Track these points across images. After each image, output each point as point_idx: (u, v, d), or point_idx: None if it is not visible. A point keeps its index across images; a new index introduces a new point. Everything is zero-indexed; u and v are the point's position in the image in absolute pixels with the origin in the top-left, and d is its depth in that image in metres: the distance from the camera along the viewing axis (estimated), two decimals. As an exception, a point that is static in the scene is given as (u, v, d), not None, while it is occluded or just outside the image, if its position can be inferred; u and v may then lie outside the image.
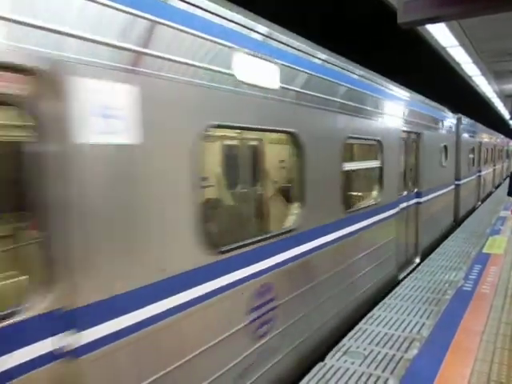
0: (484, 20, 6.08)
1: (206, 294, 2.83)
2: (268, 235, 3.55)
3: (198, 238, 2.76)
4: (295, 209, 3.94)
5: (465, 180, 12.24)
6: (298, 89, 3.86)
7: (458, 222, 11.50)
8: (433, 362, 3.86)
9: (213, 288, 2.89)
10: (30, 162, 1.91)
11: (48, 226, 1.96)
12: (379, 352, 4.17)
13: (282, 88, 3.61)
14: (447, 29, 6.86)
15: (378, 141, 5.79)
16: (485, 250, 7.96)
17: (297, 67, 3.86)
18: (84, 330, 2.07)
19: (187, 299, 2.69)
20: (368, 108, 5.44)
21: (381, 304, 5.50)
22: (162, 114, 2.45)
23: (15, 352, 1.82)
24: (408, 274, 6.95)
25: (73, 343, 2.02)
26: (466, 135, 12.09)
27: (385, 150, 5.93)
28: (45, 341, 1.91)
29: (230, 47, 2.98)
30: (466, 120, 12.05)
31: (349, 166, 4.98)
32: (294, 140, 3.84)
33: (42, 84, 1.88)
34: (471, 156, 13.32)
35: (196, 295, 2.74)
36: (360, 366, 3.93)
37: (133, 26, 2.31)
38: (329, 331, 4.62)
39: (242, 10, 3.19)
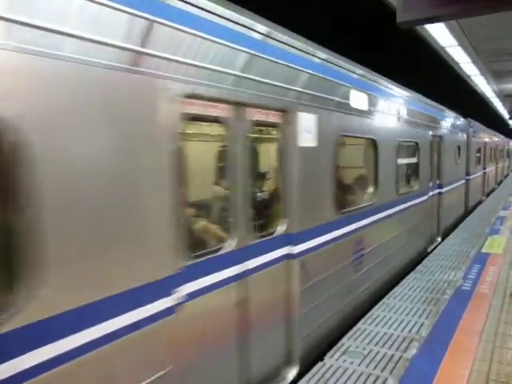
0: (483, 20, 6.08)
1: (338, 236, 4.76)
2: (369, 203, 5.74)
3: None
4: (371, 189, 5.96)
5: (473, 176, 14.04)
6: (376, 109, 5.75)
7: (467, 212, 13.22)
8: (432, 362, 3.87)
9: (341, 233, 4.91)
10: (280, 155, 3.88)
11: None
12: (378, 352, 4.18)
13: (369, 109, 5.50)
14: (446, 29, 6.87)
15: (416, 143, 7.64)
16: (484, 250, 7.97)
17: (377, 95, 5.84)
18: (295, 245, 3.94)
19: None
20: (413, 119, 7.37)
21: (380, 304, 5.51)
22: (324, 129, 4.35)
23: (270, 253, 3.66)
24: (433, 249, 8.65)
25: (292, 251, 3.91)
26: (474, 137, 13.74)
27: (420, 150, 7.77)
28: (283, 248, 3.82)
29: (349, 87, 4.96)
30: (474, 123, 13.79)
31: (400, 161, 6.81)
32: (373, 143, 5.79)
33: (287, 116, 3.80)
34: (478, 155, 15.04)
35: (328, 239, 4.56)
36: (359, 365, 3.93)
37: (336, 89, 4.68)
38: (391, 276, 6.64)
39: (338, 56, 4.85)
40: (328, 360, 4.04)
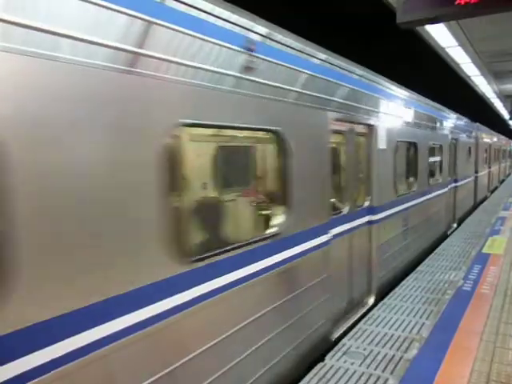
0: (483, 20, 6.08)
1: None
2: (412, 190, 7.61)
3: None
4: (413, 179, 7.77)
5: (481, 173, 15.86)
6: (417, 120, 7.57)
7: (476, 205, 15.02)
8: (433, 362, 3.86)
9: (397, 210, 6.74)
10: (367, 154, 5.65)
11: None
12: (379, 352, 4.18)
13: (412, 121, 7.33)
14: (446, 29, 6.87)
15: (441, 145, 9.46)
16: (484, 250, 7.97)
17: (418, 110, 7.70)
18: (375, 215, 5.73)
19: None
20: (439, 126, 9.43)
21: (380, 304, 5.50)
22: (389, 137, 6.07)
23: (362, 218, 5.51)
24: (451, 233, 10.37)
25: (372, 218, 5.69)
26: (481, 139, 15.61)
27: (443, 151, 9.64)
28: (368, 216, 5.63)
29: (407, 106, 7.02)
30: (481, 127, 15.70)
31: (430, 159, 8.64)
32: (415, 146, 7.63)
33: (372, 129, 5.60)
34: (484, 155, 16.95)
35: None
36: (360, 366, 3.93)
37: (397, 108, 6.59)
38: (422, 250, 8.26)
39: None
40: (329, 360, 4.03)
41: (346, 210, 5.14)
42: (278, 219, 3.71)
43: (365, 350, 4.24)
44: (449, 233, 10.42)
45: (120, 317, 2.29)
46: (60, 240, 2.01)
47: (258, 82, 3.32)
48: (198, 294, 2.79)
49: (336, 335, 4.79)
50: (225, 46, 2.94)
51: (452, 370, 3.75)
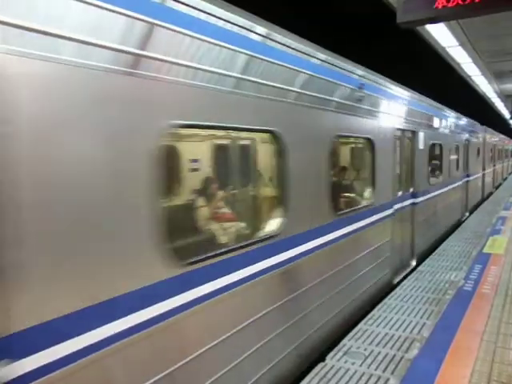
0: (483, 20, 6.08)
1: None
2: (439, 180, 9.57)
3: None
4: (439, 172, 9.68)
5: (487, 171, 18.02)
6: (442, 125, 9.53)
7: (483, 199, 16.94)
8: (433, 362, 3.86)
9: (432, 195, 8.94)
10: (411, 152, 7.60)
11: None
12: (380, 352, 4.17)
13: (439, 126, 9.25)
14: (446, 29, 6.87)
15: (457, 146, 11.37)
16: (485, 250, 7.95)
17: (443, 117, 9.57)
18: (416, 198, 7.75)
19: None
20: (457, 130, 11.51)
21: (381, 304, 5.50)
22: (426, 140, 8.07)
23: (410, 200, 7.55)
24: (464, 220, 12.18)
25: (415, 201, 7.76)
26: (487, 140, 17.67)
27: (459, 150, 11.71)
28: (412, 199, 7.65)
29: (436, 116, 9.00)
30: (488, 129, 17.87)
31: (451, 157, 10.46)
32: (440, 146, 9.59)
33: (414, 134, 7.57)
34: (490, 154, 18.99)
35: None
36: (361, 366, 3.92)
37: (431, 118, 8.80)
38: (444, 231, 10.20)
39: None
40: (329, 360, 4.03)
41: (399, 193, 6.98)
42: (372, 196, 5.82)
43: (365, 350, 4.24)
44: (463, 219, 12.43)
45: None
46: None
47: (366, 108, 5.43)
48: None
49: (395, 281, 6.69)
50: (349, 88, 4.98)
51: (453, 370, 3.74)
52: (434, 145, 9.01)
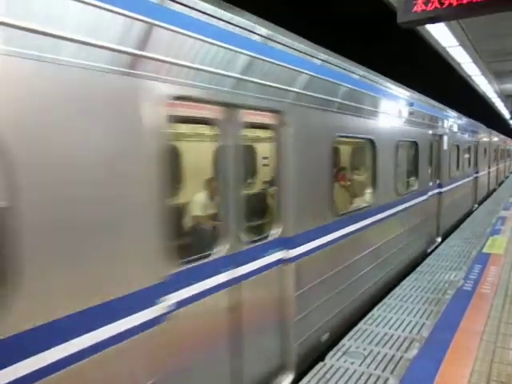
0: (483, 20, 6.07)
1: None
2: (457, 173, 11.95)
3: None
4: (455, 167, 11.47)
5: (492, 169, 20.38)
6: (460, 130, 11.94)
7: (489, 194, 18.97)
8: (433, 362, 3.86)
9: (455, 185, 11.59)
10: (438, 152, 9.59)
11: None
12: (379, 352, 4.17)
13: (458, 130, 11.66)
14: (447, 29, 6.86)
15: (469, 146, 13.46)
16: (485, 250, 7.96)
17: (461, 125, 12.13)
18: (442, 188, 9.90)
19: None
20: (470, 134, 13.62)
21: (381, 304, 5.50)
22: (449, 141, 10.21)
23: (436, 190, 9.51)
24: (475, 209, 14.23)
25: (441, 190, 9.87)
26: (492, 141, 20.12)
27: (471, 150, 13.78)
28: (438, 189, 9.74)
29: (455, 122, 11.40)
30: (493, 131, 20.41)
31: (465, 156, 12.67)
32: (457, 146, 11.45)
33: (441, 136, 9.71)
34: (493, 154, 21.25)
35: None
36: (360, 365, 3.93)
37: (453, 125, 11.19)
38: (463, 215, 12.61)
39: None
40: (329, 360, 4.03)
41: (431, 183, 8.87)
42: (417, 184, 7.83)
43: (365, 349, 4.24)
44: (473, 209, 14.44)
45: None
46: None
47: (414, 121, 7.36)
48: None
49: (428, 250, 8.57)
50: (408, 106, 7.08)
51: (452, 369, 3.74)
52: (453, 145, 10.98)
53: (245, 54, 3.10)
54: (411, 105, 7.13)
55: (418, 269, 7.08)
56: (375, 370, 3.84)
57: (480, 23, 6.67)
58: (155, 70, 2.41)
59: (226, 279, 3.02)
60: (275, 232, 3.65)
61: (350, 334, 4.62)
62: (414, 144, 7.64)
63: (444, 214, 9.86)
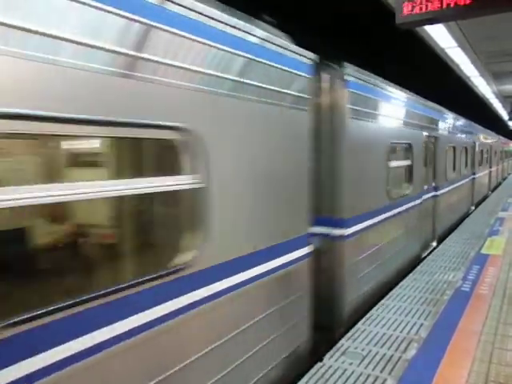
0: (482, 20, 6.08)
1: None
2: (483, 166, 17.56)
3: None
4: (477, 163, 15.77)
5: (494, 168, 22.15)
6: (481, 140, 16.81)
7: (492, 190, 21.12)
8: (431, 363, 3.86)
9: (482, 174, 17.41)
10: (472, 153, 14.56)
11: None
12: (377, 352, 4.18)
13: (482, 140, 17.19)
14: (445, 30, 6.87)
15: (483, 149, 16.63)
16: (483, 251, 7.97)
17: (478, 131, 16.07)
18: (475, 174, 15.28)
19: None
20: (486, 140, 18.21)
21: (379, 305, 5.50)
22: (480, 148, 16.45)
23: (469, 178, 14.12)
24: (484, 199, 17.28)
25: (475, 176, 15.07)
26: (495, 143, 22.22)
27: (482, 151, 16.71)
28: (472, 175, 14.72)
29: (477, 131, 15.69)
30: (499, 136, 23.79)
31: (484, 155, 17.30)
32: (474, 147, 14.82)
33: (474, 144, 14.90)
34: (495, 155, 23.15)
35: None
36: (358, 366, 3.93)
37: (479, 134, 16.54)
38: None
39: None
40: (327, 361, 4.03)
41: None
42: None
43: (363, 350, 4.24)
44: (488, 195, 18.42)
45: None
46: None
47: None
48: None
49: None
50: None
51: (450, 370, 3.75)
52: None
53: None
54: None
55: (417, 269, 7.09)
56: (373, 370, 3.85)
57: (479, 24, 6.69)
58: None
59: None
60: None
61: (349, 334, 4.62)
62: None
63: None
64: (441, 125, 9.62)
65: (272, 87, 3.38)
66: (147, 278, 2.31)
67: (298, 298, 3.86)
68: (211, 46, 2.75)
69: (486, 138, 18.59)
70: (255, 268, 3.21)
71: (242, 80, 3.04)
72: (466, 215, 13.27)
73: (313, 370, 3.85)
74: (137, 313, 2.27)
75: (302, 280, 3.94)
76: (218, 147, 2.79)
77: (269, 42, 3.34)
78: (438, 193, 9.43)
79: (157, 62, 2.35)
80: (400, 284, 6.34)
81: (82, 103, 1.96)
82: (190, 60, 2.59)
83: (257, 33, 3.21)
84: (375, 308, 5.39)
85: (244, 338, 3.11)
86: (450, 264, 7.33)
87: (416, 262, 7.73)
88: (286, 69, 3.57)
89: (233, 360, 3.03)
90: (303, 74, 3.83)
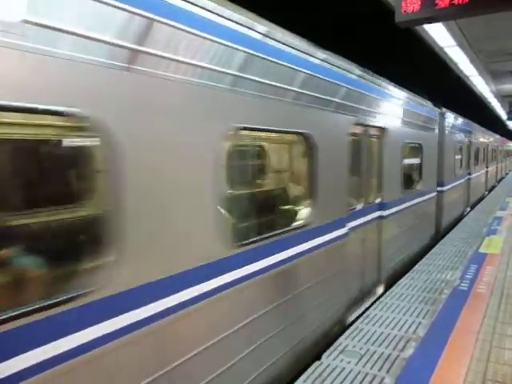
0: (481, 20, 6.08)
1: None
2: (492, 162, 22.39)
3: None
4: (486, 161, 19.56)
5: (493, 167, 23.57)
6: (490, 142, 21.00)
7: (490, 189, 21.83)
8: (429, 361, 3.87)
9: (489, 169, 20.94)
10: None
11: None
12: (375, 351, 4.18)
13: (496, 145, 24.05)
14: (445, 29, 6.87)
15: (493, 149, 22.21)
16: (481, 250, 7.99)
17: (486, 134, 19.31)
18: (489, 168, 20.93)
19: None
20: (495, 142, 23.36)
21: (377, 303, 5.51)
22: (493, 147, 22.74)
23: (482, 170, 18.41)
24: (487, 194, 19.39)
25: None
26: (495, 143, 23.52)
27: (489, 151, 20.05)
28: (485, 168, 19.73)
29: (485, 134, 19.06)
30: (501, 138, 26.14)
31: (490, 154, 20.71)
32: (485, 147, 18.92)
33: (501, 144, 27.19)
34: (494, 155, 24.67)
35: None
36: (356, 365, 3.93)
37: (490, 140, 21.07)
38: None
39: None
40: (325, 359, 4.04)
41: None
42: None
43: (361, 349, 4.24)
44: (485, 195, 18.93)
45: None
46: None
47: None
48: None
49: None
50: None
51: (448, 369, 3.75)
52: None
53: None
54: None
55: (415, 268, 7.10)
56: (371, 369, 3.85)
57: (477, 23, 6.69)
58: None
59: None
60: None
61: (347, 333, 4.63)
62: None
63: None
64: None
65: (428, 125, 8.59)
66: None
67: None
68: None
69: (483, 137, 18.85)
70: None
71: (414, 122, 7.55)
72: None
73: (310, 369, 3.85)
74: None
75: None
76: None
77: (423, 104, 8.16)
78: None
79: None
80: (398, 282, 6.35)
81: None
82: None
83: (415, 99, 7.58)
84: (373, 307, 5.40)
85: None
86: (448, 263, 7.34)
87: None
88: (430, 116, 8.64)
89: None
90: (437, 118, 9.36)
